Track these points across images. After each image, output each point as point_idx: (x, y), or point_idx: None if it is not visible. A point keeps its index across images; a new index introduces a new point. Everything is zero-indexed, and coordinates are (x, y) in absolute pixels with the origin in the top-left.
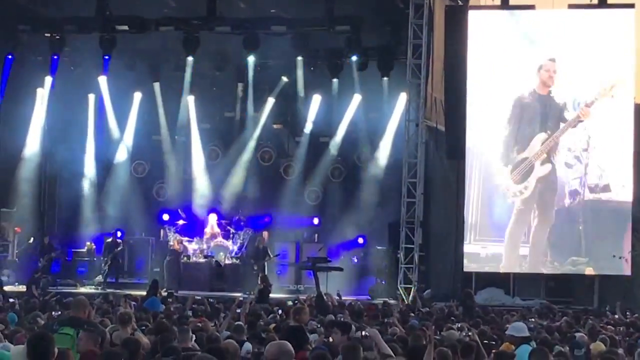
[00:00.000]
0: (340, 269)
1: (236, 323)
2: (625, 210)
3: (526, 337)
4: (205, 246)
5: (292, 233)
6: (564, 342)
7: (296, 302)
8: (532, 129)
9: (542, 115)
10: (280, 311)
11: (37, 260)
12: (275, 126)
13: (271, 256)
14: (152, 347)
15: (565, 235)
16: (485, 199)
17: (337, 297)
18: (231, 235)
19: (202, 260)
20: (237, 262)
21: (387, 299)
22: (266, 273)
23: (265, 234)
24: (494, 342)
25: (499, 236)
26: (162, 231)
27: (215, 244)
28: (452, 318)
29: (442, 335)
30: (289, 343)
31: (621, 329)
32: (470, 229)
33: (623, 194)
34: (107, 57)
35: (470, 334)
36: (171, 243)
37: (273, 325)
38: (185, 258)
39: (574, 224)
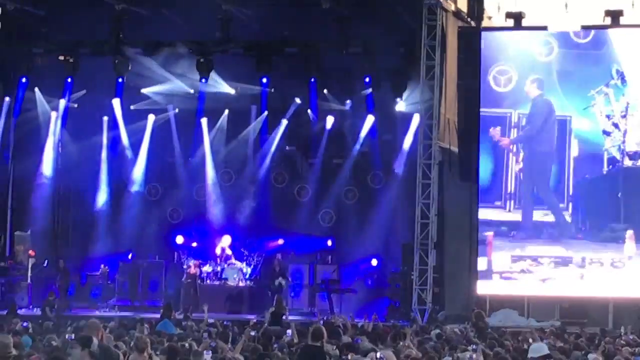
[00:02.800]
0: (354, 291)
1: (251, 345)
2: None
3: (546, 355)
4: (219, 268)
5: (306, 255)
6: None
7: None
8: None
9: None
10: (290, 334)
11: (52, 284)
12: (288, 148)
13: (289, 279)
14: None
15: (604, 203)
16: None
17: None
18: (244, 257)
19: (216, 282)
20: (251, 284)
21: (400, 321)
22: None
23: (278, 256)
24: None
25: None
26: (175, 254)
27: (228, 266)
28: (465, 341)
29: (457, 357)
30: None
31: (637, 349)
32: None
33: None
34: (120, 80)
35: (474, 355)
36: (189, 265)
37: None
38: (199, 280)
39: (613, 191)
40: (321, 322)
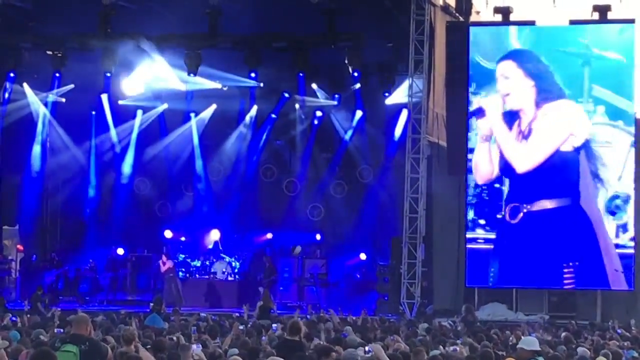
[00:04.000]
0: (343, 285)
1: (241, 339)
2: None
3: (537, 351)
4: (207, 263)
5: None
6: (567, 358)
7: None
8: None
9: None
10: (280, 328)
11: (41, 277)
12: (276, 142)
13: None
14: None
15: None
16: None
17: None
18: (233, 252)
19: (204, 277)
20: (239, 278)
21: (388, 315)
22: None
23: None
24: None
25: None
26: (164, 248)
27: (217, 260)
28: (452, 335)
29: (446, 351)
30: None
31: (626, 343)
32: None
33: None
34: (108, 75)
35: (458, 349)
36: (162, 262)
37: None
38: (187, 275)
39: None
40: (309, 316)
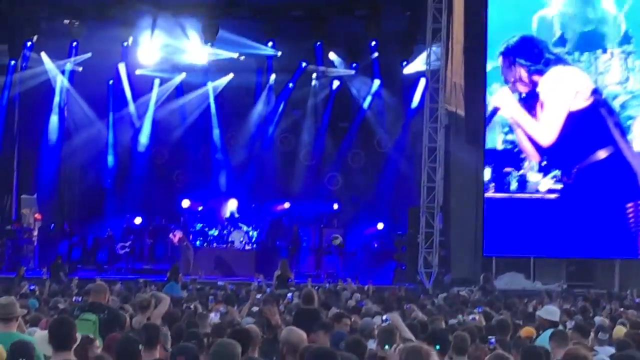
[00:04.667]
0: (360, 255)
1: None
2: None
3: (554, 322)
4: (225, 232)
5: (312, 218)
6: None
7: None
8: None
9: None
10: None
11: (59, 246)
12: (294, 111)
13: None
14: (173, 333)
15: None
16: None
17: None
18: (251, 221)
19: (222, 246)
20: (257, 247)
21: (406, 285)
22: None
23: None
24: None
25: None
26: (182, 217)
27: (234, 229)
28: (468, 304)
29: (463, 320)
30: (298, 328)
31: None
32: None
33: None
34: (126, 44)
35: (477, 317)
36: (174, 235)
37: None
38: (205, 244)
39: None
40: (327, 285)
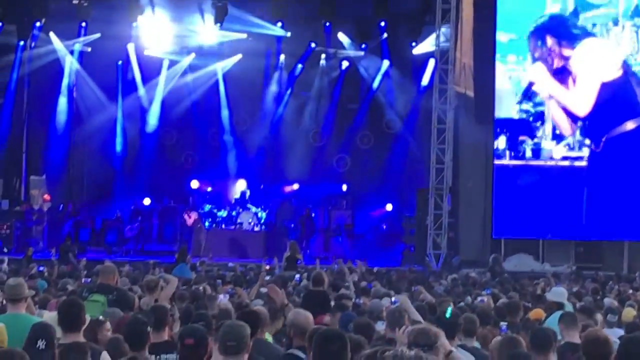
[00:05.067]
0: (369, 236)
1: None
2: None
3: (561, 303)
4: (234, 213)
5: (321, 200)
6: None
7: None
8: None
9: None
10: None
11: (68, 227)
12: (303, 92)
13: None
14: (182, 315)
15: None
16: None
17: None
18: (260, 203)
19: (230, 227)
20: (266, 229)
21: (415, 266)
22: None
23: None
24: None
25: None
26: (190, 198)
27: (243, 210)
28: (476, 286)
29: (472, 302)
30: (306, 310)
31: None
32: None
33: None
34: (135, 24)
35: (486, 299)
36: (188, 221)
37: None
38: (214, 225)
39: None
40: (336, 266)
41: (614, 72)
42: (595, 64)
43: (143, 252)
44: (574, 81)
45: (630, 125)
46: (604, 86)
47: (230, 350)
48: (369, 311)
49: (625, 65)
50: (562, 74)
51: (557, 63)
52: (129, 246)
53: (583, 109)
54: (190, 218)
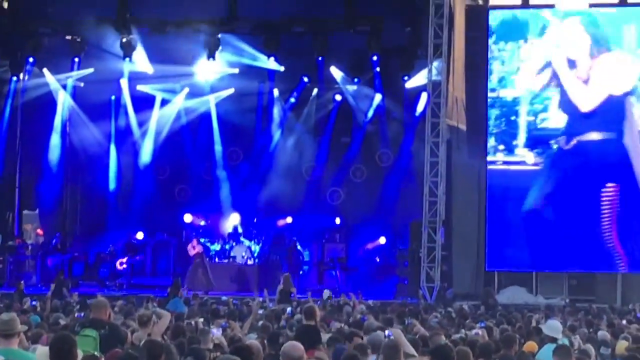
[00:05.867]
0: (362, 270)
1: (260, 323)
2: None
3: (554, 338)
4: (227, 247)
5: (314, 233)
6: (588, 341)
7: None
8: None
9: None
10: (291, 311)
11: (61, 262)
12: (296, 126)
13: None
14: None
15: None
16: None
17: (358, 298)
18: (253, 236)
19: (224, 261)
20: (259, 262)
21: (408, 299)
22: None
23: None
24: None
25: None
26: (184, 232)
27: (237, 244)
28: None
29: (465, 334)
30: (299, 343)
31: None
32: None
33: None
34: (127, 60)
35: (480, 332)
36: (190, 251)
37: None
38: (207, 259)
39: None
40: (329, 300)
41: (620, 90)
42: (614, 76)
43: (136, 286)
44: (584, 79)
45: (595, 135)
46: (609, 98)
47: None
48: (371, 344)
49: (634, 89)
50: (579, 69)
51: (573, 55)
52: (122, 280)
53: (586, 106)
54: (194, 250)
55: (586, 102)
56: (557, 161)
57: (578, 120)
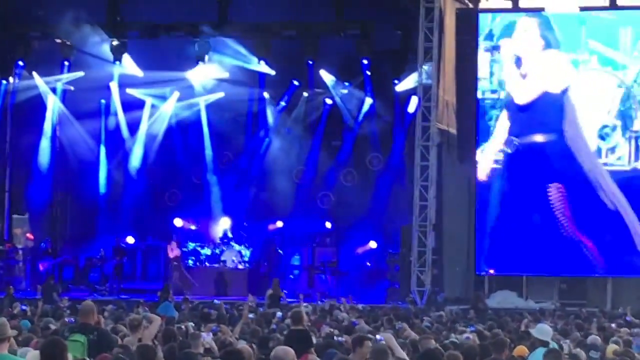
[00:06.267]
0: (353, 274)
1: (251, 327)
2: None
3: (545, 342)
4: (217, 251)
5: (305, 237)
6: (578, 345)
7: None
8: None
9: None
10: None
11: (50, 266)
12: (286, 130)
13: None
14: (165, 354)
15: None
16: None
17: (349, 302)
18: (243, 240)
19: (214, 265)
20: (249, 267)
21: (399, 303)
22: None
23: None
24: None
25: None
26: (174, 236)
27: (227, 249)
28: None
29: (456, 339)
30: (290, 348)
31: (635, 330)
32: None
33: None
34: (118, 63)
35: (471, 337)
36: (169, 252)
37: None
38: (197, 263)
39: None
40: (321, 302)
41: (558, 88)
42: (551, 73)
43: (126, 291)
44: (523, 75)
45: (538, 138)
46: (546, 94)
47: None
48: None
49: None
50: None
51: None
52: (112, 284)
53: (522, 99)
54: (173, 252)
55: (521, 95)
56: (510, 163)
57: (516, 114)
